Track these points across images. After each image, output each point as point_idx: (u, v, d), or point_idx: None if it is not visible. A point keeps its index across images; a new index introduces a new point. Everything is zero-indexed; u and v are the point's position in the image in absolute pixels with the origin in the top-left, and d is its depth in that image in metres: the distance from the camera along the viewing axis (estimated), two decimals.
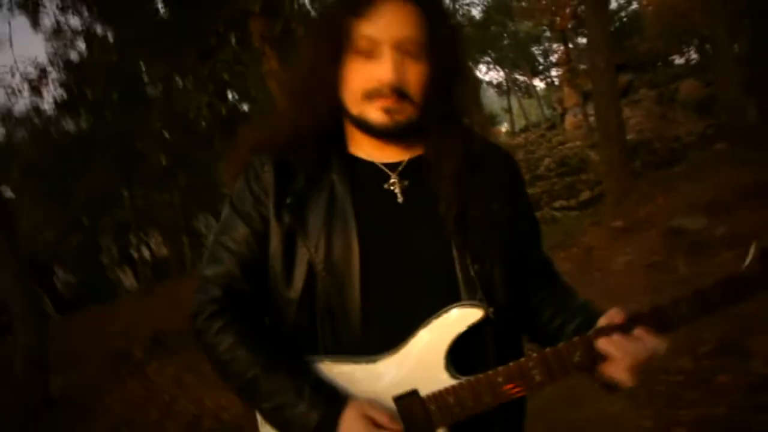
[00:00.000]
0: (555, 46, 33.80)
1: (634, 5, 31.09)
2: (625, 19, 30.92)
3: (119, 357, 7.83)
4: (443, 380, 0.90)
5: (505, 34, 33.17)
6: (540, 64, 38.18)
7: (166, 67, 8.52)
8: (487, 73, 38.99)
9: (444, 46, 0.96)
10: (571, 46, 27.90)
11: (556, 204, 13.62)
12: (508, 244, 1.00)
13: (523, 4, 26.34)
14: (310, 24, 0.98)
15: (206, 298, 1.00)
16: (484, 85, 38.76)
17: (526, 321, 1.07)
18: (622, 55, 23.93)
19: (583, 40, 26.68)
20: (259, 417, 1.04)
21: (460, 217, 0.95)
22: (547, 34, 32.12)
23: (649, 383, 3.40)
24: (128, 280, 26.62)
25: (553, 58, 36.28)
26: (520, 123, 41.66)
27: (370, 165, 1.01)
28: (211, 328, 0.98)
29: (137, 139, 8.15)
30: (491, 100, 46.66)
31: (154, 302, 11.81)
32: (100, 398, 6.52)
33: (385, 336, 0.92)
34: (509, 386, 0.88)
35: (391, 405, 0.90)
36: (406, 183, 1.00)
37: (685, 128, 16.48)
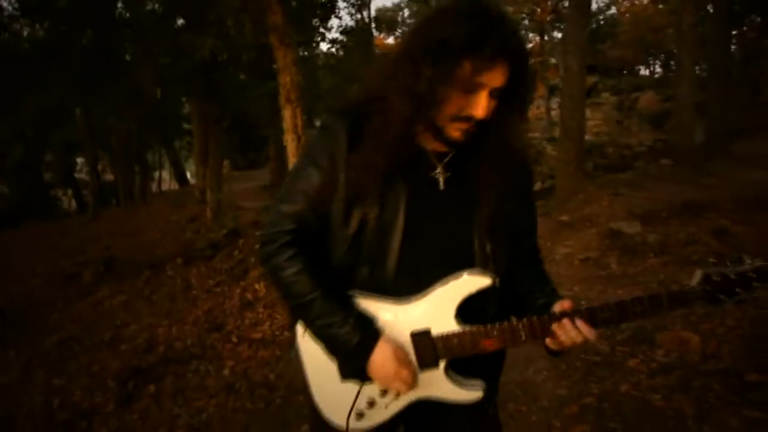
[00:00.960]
0: (531, 35, 34.25)
1: (613, 10, 31.89)
2: (602, 22, 31.68)
3: (67, 278, 7.81)
4: (451, 326, 1.20)
5: None
6: None
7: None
8: None
9: (516, 93, 1.19)
10: (546, 38, 28.34)
11: None
12: (514, 232, 1.30)
13: None
14: (429, 54, 1.14)
15: (281, 230, 1.24)
16: None
17: (513, 299, 1.34)
18: (592, 58, 24.69)
19: (558, 35, 27.27)
20: (299, 331, 1.31)
21: (489, 208, 1.24)
22: (526, 22, 32.42)
23: (570, 360, 3.92)
24: (68, 200, 25.74)
25: (527, 47, 36.72)
26: None
27: (422, 151, 1.24)
28: (283, 254, 1.23)
29: (135, 72, 7.96)
30: None
31: (102, 227, 11.63)
32: (47, 316, 6.59)
33: (411, 285, 1.21)
34: (501, 339, 1.20)
35: (407, 337, 1.21)
36: (448, 174, 1.24)
37: (638, 138, 17.37)
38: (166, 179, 32.66)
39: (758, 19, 23.02)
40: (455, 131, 1.18)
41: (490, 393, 1.30)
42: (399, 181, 1.21)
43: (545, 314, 1.21)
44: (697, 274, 1.19)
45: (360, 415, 1.25)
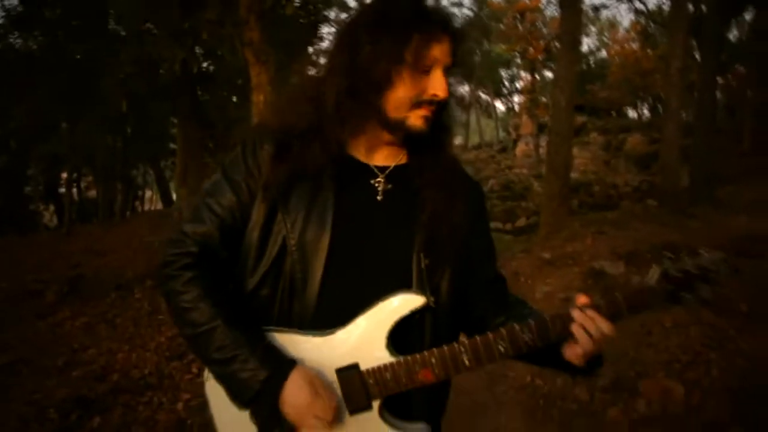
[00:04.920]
0: (522, 74, 34.88)
1: (603, 53, 32.63)
2: (592, 64, 32.35)
3: (27, 295, 7.46)
4: (383, 357, 1.02)
5: (477, 51, 33.88)
6: (505, 87, 39.26)
7: (137, 8, 8.22)
8: (452, 85, 40.15)
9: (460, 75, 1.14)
10: (537, 77, 28.81)
11: (494, 225, 14.11)
12: (462, 255, 1.13)
13: (502, 27, 26.99)
14: (372, 30, 1.07)
15: (181, 251, 1.07)
16: None
17: (474, 327, 1.18)
18: (581, 98, 25.07)
19: (549, 74, 27.70)
20: (206, 373, 1.12)
21: (429, 220, 1.09)
22: (518, 60, 32.99)
23: (546, 406, 3.69)
24: (49, 216, 25.25)
25: (518, 85, 37.47)
26: (473, 139, 42.68)
27: (363, 165, 1.13)
28: (181, 277, 1.05)
29: (101, 77, 7.75)
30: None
31: (75, 244, 11.27)
32: None
33: (335, 314, 1.03)
34: (441, 366, 1.01)
35: (333, 376, 1.01)
36: (389, 186, 1.12)
37: (624, 178, 17.46)
38: (154, 199, 32.36)
39: (743, 68, 23.62)
40: (417, 119, 1.07)
41: None
42: (328, 192, 1.07)
43: (488, 332, 1.03)
44: (655, 271, 1.06)
45: None
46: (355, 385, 1.01)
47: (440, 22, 1.05)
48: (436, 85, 1.05)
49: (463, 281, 1.15)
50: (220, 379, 1.03)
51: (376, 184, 1.12)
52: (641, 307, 1.05)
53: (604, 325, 1.02)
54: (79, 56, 11.78)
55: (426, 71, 1.05)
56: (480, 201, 1.24)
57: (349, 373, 1.01)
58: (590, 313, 1.03)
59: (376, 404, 1.02)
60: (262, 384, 0.97)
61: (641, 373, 4.02)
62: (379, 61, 1.02)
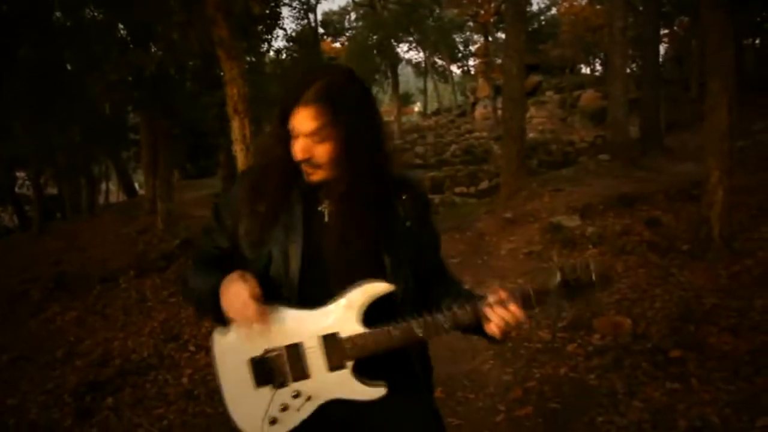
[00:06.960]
0: (476, 37, 35.01)
1: (553, 11, 33.04)
2: (543, 23, 32.76)
3: (15, 297, 7.60)
4: (357, 329, 1.33)
5: (430, 18, 33.87)
6: (459, 51, 39.42)
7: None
8: (408, 52, 40.05)
9: (346, 125, 1.31)
10: (490, 39, 29.05)
11: (458, 190, 14.60)
12: (414, 248, 1.43)
13: None
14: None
15: (192, 251, 1.63)
16: (404, 63, 39.73)
17: (427, 305, 1.41)
18: (535, 58, 25.53)
19: (502, 35, 27.99)
20: (214, 339, 1.44)
21: (385, 228, 1.38)
22: (470, 24, 33.12)
23: (515, 348, 4.19)
24: (8, 217, 24.63)
25: (473, 48, 37.66)
26: (432, 105, 42.95)
27: (312, 187, 1.42)
28: (189, 263, 1.58)
29: (84, 86, 7.73)
30: (408, 78, 47.53)
31: (50, 242, 11.27)
32: None
33: (313, 298, 1.35)
34: (402, 337, 1.32)
35: (317, 341, 1.33)
36: (332, 208, 1.39)
37: (580, 135, 18.11)
38: (113, 191, 31.72)
39: (686, 19, 24.42)
40: (305, 174, 1.37)
41: (420, 388, 1.46)
42: (297, 217, 1.40)
43: (442, 308, 1.33)
44: (557, 276, 1.32)
45: (273, 422, 1.35)
46: (334, 348, 1.33)
47: (291, 100, 1.32)
48: (296, 149, 1.32)
49: (418, 268, 1.45)
50: (198, 301, 1.47)
51: (323, 209, 1.40)
52: (542, 303, 1.32)
53: (519, 314, 1.28)
54: (23, 54, 11.52)
55: (296, 139, 1.33)
56: (423, 200, 1.51)
57: (330, 338, 1.34)
58: (509, 306, 1.27)
59: (349, 364, 1.34)
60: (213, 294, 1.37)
61: (596, 312, 4.56)
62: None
